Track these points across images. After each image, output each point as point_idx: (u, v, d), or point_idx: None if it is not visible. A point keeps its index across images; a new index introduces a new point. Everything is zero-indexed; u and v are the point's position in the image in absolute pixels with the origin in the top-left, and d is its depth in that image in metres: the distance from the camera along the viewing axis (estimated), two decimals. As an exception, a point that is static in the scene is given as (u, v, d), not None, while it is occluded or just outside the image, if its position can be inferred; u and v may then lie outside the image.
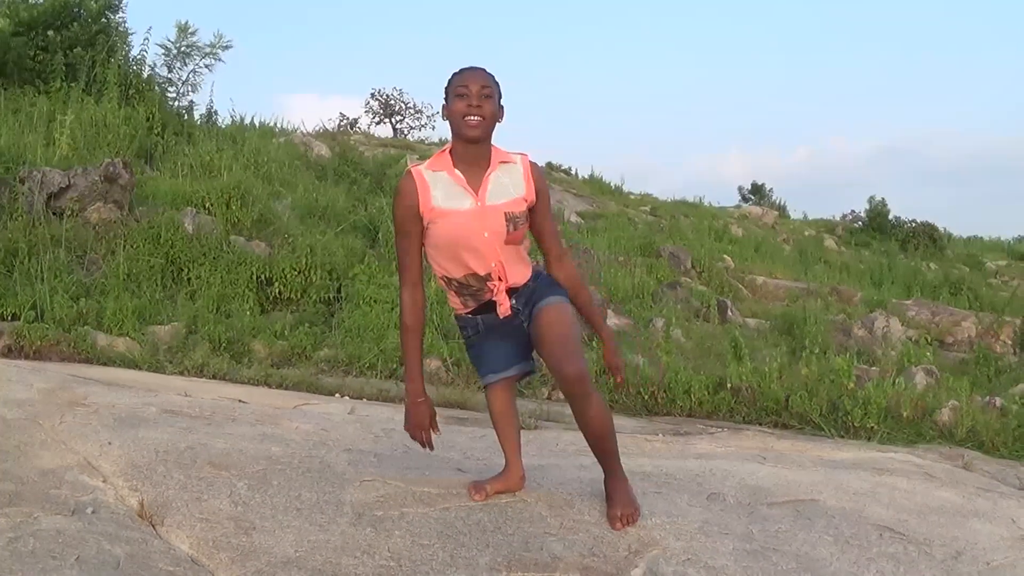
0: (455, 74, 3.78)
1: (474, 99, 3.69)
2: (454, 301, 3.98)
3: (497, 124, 3.80)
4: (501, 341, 3.97)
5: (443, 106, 3.80)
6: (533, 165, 3.89)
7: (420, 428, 3.93)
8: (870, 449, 6.30)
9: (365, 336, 8.69)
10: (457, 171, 3.78)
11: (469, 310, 3.94)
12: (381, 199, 13.50)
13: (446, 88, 3.78)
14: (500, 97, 3.80)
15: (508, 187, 3.80)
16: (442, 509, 3.89)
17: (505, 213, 3.75)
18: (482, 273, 3.80)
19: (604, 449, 3.89)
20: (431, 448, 3.97)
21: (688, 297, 12.82)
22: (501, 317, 3.86)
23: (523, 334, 3.90)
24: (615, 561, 3.54)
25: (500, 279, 3.81)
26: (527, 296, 3.86)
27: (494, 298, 3.84)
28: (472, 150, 3.78)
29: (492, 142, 3.84)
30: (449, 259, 3.81)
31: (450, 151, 3.83)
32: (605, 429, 3.82)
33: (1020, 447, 6.88)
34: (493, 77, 3.79)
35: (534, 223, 3.90)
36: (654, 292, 12.57)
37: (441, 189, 3.77)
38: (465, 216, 3.74)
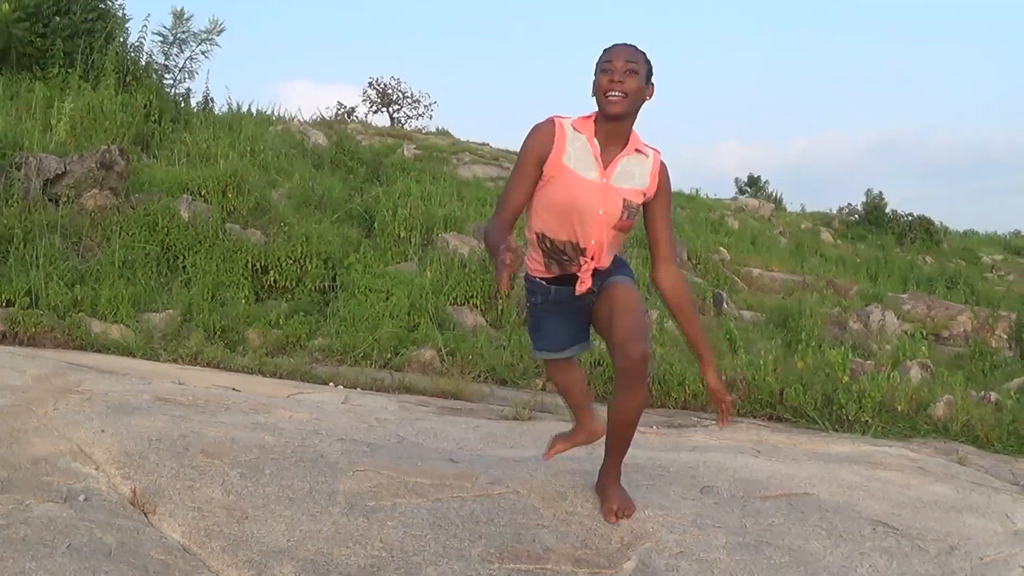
0: (605, 49, 3.70)
1: (618, 74, 3.60)
2: (534, 263, 3.89)
3: (645, 102, 3.73)
4: (562, 319, 3.94)
5: (592, 83, 3.70)
6: (663, 164, 3.82)
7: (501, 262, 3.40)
8: (864, 443, 6.31)
9: (360, 326, 8.68)
10: (595, 140, 3.72)
11: (548, 276, 3.88)
12: (377, 188, 13.50)
13: (596, 64, 3.69)
14: (651, 75, 3.72)
15: (635, 175, 3.75)
16: (435, 500, 3.89)
17: (624, 199, 3.71)
18: (582, 245, 3.76)
19: (624, 438, 3.86)
20: (506, 288, 3.54)
21: (684, 289, 12.80)
22: (577, 294, 3.82)
23: (585, 315, 3.87)
24: (607, 553, 3.54)
25: (593, 257, 3.78)
26: (602, 278, 3.83)
27: (579, 273, 3.81)
28: (613, 127, 3.71)
29: (634, 126, 3.77)
30: (558, 220, 3.74)
31: (594, 120, 3.75)
32: (635, 419, 3.76)
33: (1014, 442, 6.88)
34: (644, 55, 3.71)
35: (650, 221, 3.85)
36: (649, 284, 12.56)
37: (576, 149, 3.71)
38: (588, 186, 3.69)
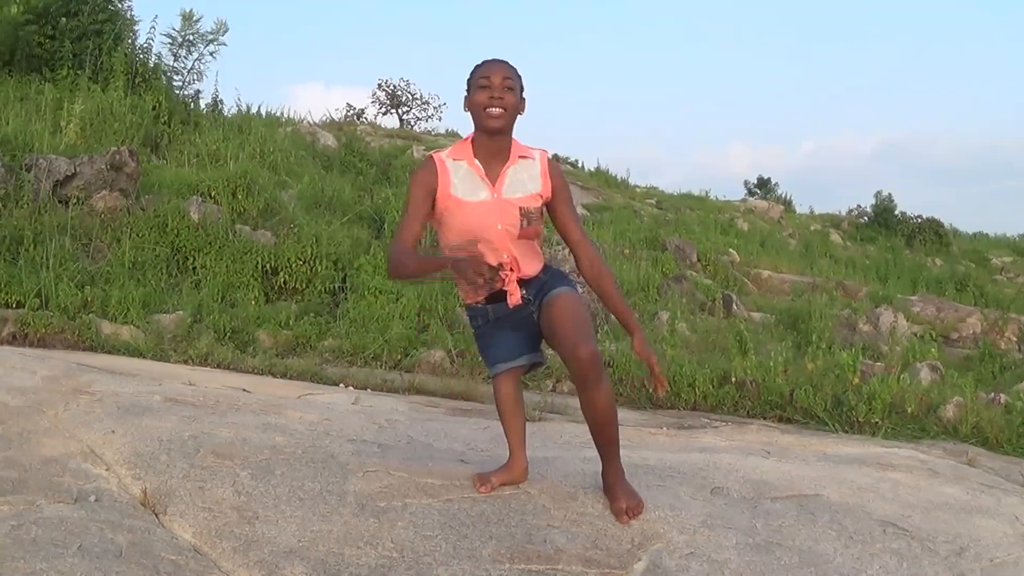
0: (477, 66, 3.80)
1: (496, 91, 3.70)
2: (464, 291, 3.98)
3: (518, 116, 3.82)
4: (510, 331, 3.96)
5: (465, 98, 3.81)
6: (551, 161, 3.90)
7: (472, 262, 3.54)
8: (874, 444, 6.30)
9: (370, 326, 8.70)
10: (477, 162, 3.79)
11: (479, 299, 3.94)
12: (387, 189, 13.51)
13: (468, 80, 3.80)
14: (522, 90, 3.82)
15: (525, 182, 3.81)
16: (445, 500, 3.89)
17: (520, 208, 3.77)
18: (494, 263, 3.80)
19: (608, 437, 3.86)
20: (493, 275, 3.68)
21: (693, 290, 12.81)
22: (511, 307, 3.86)
23: (532, 325, 3.90)
24: (618, 554, 3.53)
25: (512, 269, 3.81)
26: (538, 288, 3.86)
27: (504, 287, 3.84)
28: (493, 142, 3.79)
29: (513, 135, 3.85)
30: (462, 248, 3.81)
31: (471, 142, 3.84)
32: (610, 416, 3.78)
33: (1024, 444, 6.86)
34: (516, 70, 3.81)
35: (555, 218, 3.92)
36: (659, 285, 12.57)
37: (460, 178, 3.78)
38: (481, 208, 3.75)
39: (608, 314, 10.26)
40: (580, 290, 3.98)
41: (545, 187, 3.84)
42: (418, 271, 3.75)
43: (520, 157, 3.83)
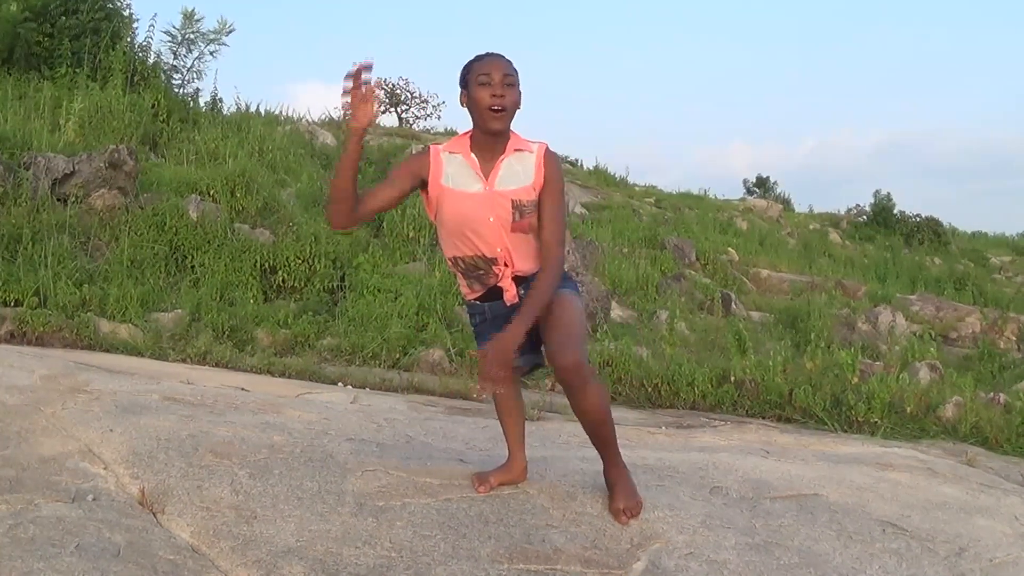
0: (475, 61, 3.73)
1: (498, 87, 3.65)
2: (462, 285, 3.95)
3: (517, 111, 3.77)
4: None
5: (461, 93, 3.75)
6: (548, 153, 3.82)
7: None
8: (873, 444, 6.29)
9: (368, 325, 8.69)
10: (472, 155, 3.76)
11: (476, 296, 3.91)
12: (386, 188, 13.47)
13: (464, 75, 3.73)
14: (518, 84, 3.76)
15: (519, 174, 3.76)
16: (444, 500, 3.88)
17: (512, 200, 3.72)
18: (489, 256, 3.78)
19: (601, 437, 3.84)
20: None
21: (692, 290, 12.81)
22: (508, 304, 3.83)
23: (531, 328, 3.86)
24: (617, 554, 3.52)
25: (506, 264, 3.79)
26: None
27: (500, 283, 3.82)
28: (491, 138, 3.75)
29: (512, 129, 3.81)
30: (458, 238, 3.79)
31: (469, 136, 3.81)
32: (600, 418, 3.75)
33: (1023, 444, 6.86)
34: (512, 64, 3.75)
35: (539, 209, 3.80)
36: (658, 284, 12.57)
37: (454, 169, 3.76)
38: (472, 199, 3.73)
39: (607, 313, 10.28)
40: (581, 290, 3.95)
41: (538, 177, 3.77)
42: (338, 167, 3.76)
43: (516, 150, 3.79)
